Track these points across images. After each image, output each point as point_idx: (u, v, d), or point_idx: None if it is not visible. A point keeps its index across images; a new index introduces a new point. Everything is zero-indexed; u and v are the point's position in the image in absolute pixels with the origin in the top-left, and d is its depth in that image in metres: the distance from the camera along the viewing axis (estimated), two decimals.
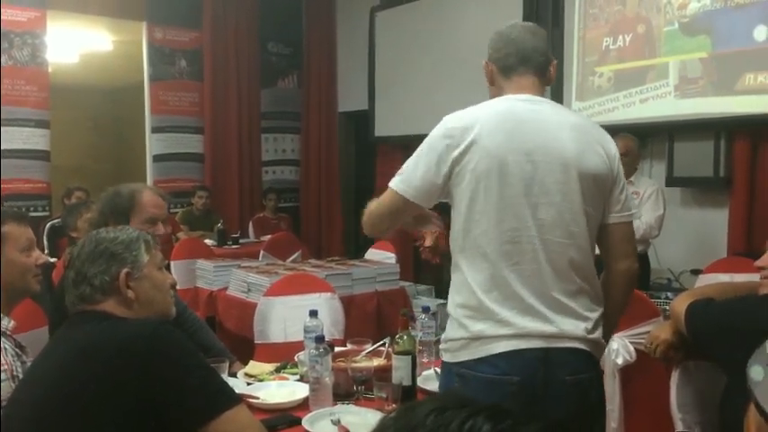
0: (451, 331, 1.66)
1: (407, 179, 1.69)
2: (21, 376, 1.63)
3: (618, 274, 1.76)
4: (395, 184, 1.71)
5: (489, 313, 1.59)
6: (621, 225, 1.75)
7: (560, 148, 1.64)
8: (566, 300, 1.62)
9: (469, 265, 1.63)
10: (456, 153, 1.63)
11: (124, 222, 2.19)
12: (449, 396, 0.68)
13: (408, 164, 1.71)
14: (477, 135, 1.61)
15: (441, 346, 1.71)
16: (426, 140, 1.69)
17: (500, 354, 1.57)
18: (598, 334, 1.67)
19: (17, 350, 1.72)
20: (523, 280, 1.59)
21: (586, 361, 1.64)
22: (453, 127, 1.65)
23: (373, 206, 1.80)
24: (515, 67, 1.74)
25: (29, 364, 1.70)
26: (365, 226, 1.84)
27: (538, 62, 1.75)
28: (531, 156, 1.62)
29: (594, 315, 1.66)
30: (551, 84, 1.83)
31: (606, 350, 2.47)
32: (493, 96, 1.79)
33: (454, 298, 1.67)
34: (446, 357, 1.69)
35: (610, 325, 1.79)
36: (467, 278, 1.63)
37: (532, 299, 1.59)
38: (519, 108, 1.69)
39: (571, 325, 1.61)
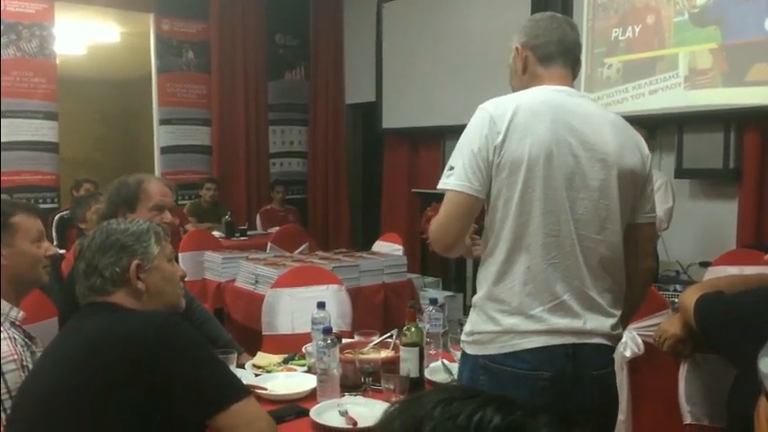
0: (480, 323, 1.63)
1: (463, 174, 1.60)
2: (30, 366, 1.64)
3: (639, 273, 1.75)
4: (452, 184, 1.61)
5: (522, 307, 1.57)
6: (648, 225, 1.75)
7: (602, 143, 1.61)
8: (596, 296, 1.61)
9: (507, 256, 1.59)
10: (499, 140, 1.57)
11: (131, 211, 2.20)
12: (454, 387, 0.67)
13: (456, 160, 1.62)
14: (520, 123, 1.57)
15: (465, 338, 1.67)
16: (467, 131, 1.63)
17: (530, 349, 1.56)
18: (620, 330, 1.68)
19: (26, 341, 1.73)
20: (559, 274, 1.57)
21: (609, 356, 1.66)
22: (495, 114, 1.59)
23: (441, 217, 1.67)
24: (555, 57, 1.70)
25: (38, 354, 1.71)
26: (436, 244, 1.69)
27: (575, 56, 1.73)
28: (573, 149, 1.58)
29: (619, 312, 1.67)
30: (576, 78, 1.78)
31: None
32: (518, 85, 1.74)
33: (485, 289, 1.63)
34: (471, 350, 1.65)
35: (625, 321, 1.78)
36: (502, 269, 1.60)
37: (566, 294, 1.58)
38: (561, 100, 1.65)
39: (599, 322, 1.60)
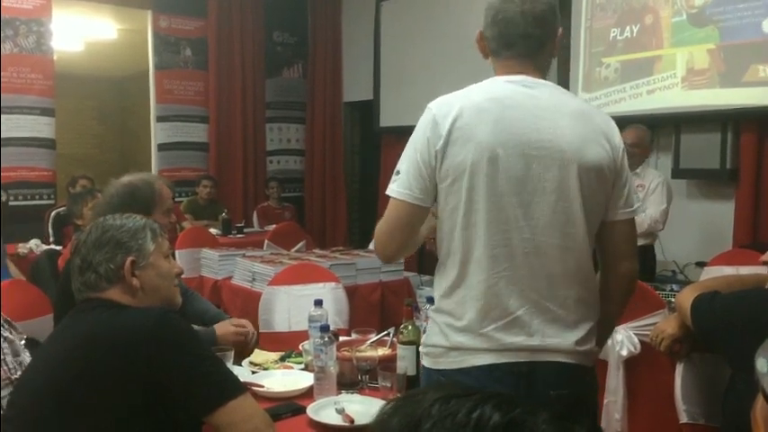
0: (432, 336, 1.55)
1: (406, 181, 1.50)
2: (8, 359, 1.63)
3: (618, 276, 1.61)
4: (394, 191, 1.51)
5: (472, 325, 1.47)
6: (624, 222, 1.58)
7: (558, 139, 1.46)
8: (557, 309, 1.49)
9: (458, 269, 1.49)
10: (440, 144, 1.46)
11: (148, 215, 2.17)
12: (452, 384, 0.66)
13: (402, 164, 1.53)
14: (463, 125, 1.45)
15: (421, 350, 1.61)
16: (415, 134, 1.53)
17: (479, 366, 1.47)
18: (590, 345, 1.54)
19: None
20: (512, 288, 1.46)
21: (573, 374, 1.51)
22: (438, 114, 1.48)
23: (384, 223, 1.56)
24: (500, 51, 1.56)
25: (17, 341, 1.70)
26: (378, 253, 1.62)
27: (525, 47, 1.53)
28: (523, 149, 1.45)
29: (588, 325, 1.53)
30: (554, 56, 1.61)
31: (610, 341, 2.47)
32: (495, 69, 1.61)
33: (437, 301, 1.55)
34: (426, 362, 1.57)
35: (606, 329, 1.69)
36: (453, 284, 1.50)
37: (521, 310, 1.46)
38: (512, 93, 1.50)
39: (559, 337, 1.48)
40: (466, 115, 1.46)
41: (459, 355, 1.49)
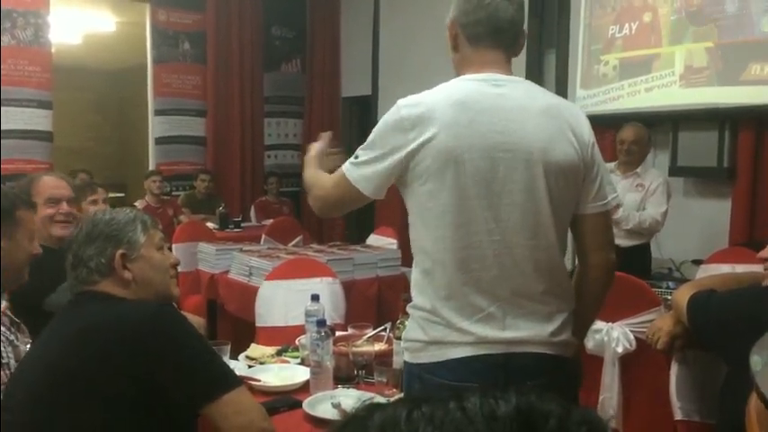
0: (411, 331, 1.57)
1: (363, 173, 1.54)
2: (11, 363, 1.62)
3: (592, 267, 1.63)
4: (351, 174, 1.55)
5: (446, 321, 1.49)
6: (594, 216, 1.60)
7: (525, 140, 1.48)
8: (531, 303, 1.51)
9: (427, 269, 1.53)
10: (411, 148, 1.47)
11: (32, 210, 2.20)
12: (398, 416, 0.55)
13: (365, 152, 1.55)
14: (433, 130, 1.46)
15: (402, 345, 1.63)
16: (380, 128, 1.54)
17: (458, 359, 1.48)
18: (566, 335, 1.57)
19: (8, 334, 1.69)
20: (483, 287, 1.49)
21: (550, 365, 1.53)
22: (408, 117, 1.49)
23: (329, 189, 1.63)
24: (482, 37, 1.56)
25: (21, 348, 1.69)
26: (317, 210, 1.69)
27: (510, 35, 1.57)
28: (490, 152, 1.46)
29: (562, 316, 1.56)
30: (518, 54, 1.63)
31: (606, 338, 2.48)
32: (456, 64, 1.63)
33: (414, 297, 1.57)
34: (407, 357, 1.59)
35: (584, 322, 1.70)
36: (425, 281, 1.53)
37: (493, 307, 1.49)
38: (480, 93, 1.51)
39: (535, 329, 1.51)
40: (435, 118, 1.47)
41: (437, 348, 1.51)
